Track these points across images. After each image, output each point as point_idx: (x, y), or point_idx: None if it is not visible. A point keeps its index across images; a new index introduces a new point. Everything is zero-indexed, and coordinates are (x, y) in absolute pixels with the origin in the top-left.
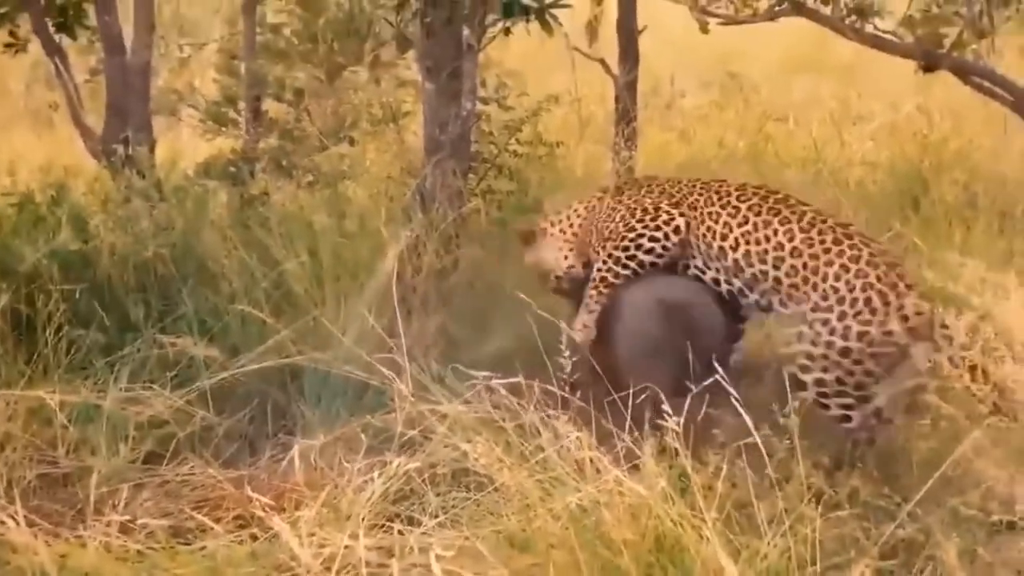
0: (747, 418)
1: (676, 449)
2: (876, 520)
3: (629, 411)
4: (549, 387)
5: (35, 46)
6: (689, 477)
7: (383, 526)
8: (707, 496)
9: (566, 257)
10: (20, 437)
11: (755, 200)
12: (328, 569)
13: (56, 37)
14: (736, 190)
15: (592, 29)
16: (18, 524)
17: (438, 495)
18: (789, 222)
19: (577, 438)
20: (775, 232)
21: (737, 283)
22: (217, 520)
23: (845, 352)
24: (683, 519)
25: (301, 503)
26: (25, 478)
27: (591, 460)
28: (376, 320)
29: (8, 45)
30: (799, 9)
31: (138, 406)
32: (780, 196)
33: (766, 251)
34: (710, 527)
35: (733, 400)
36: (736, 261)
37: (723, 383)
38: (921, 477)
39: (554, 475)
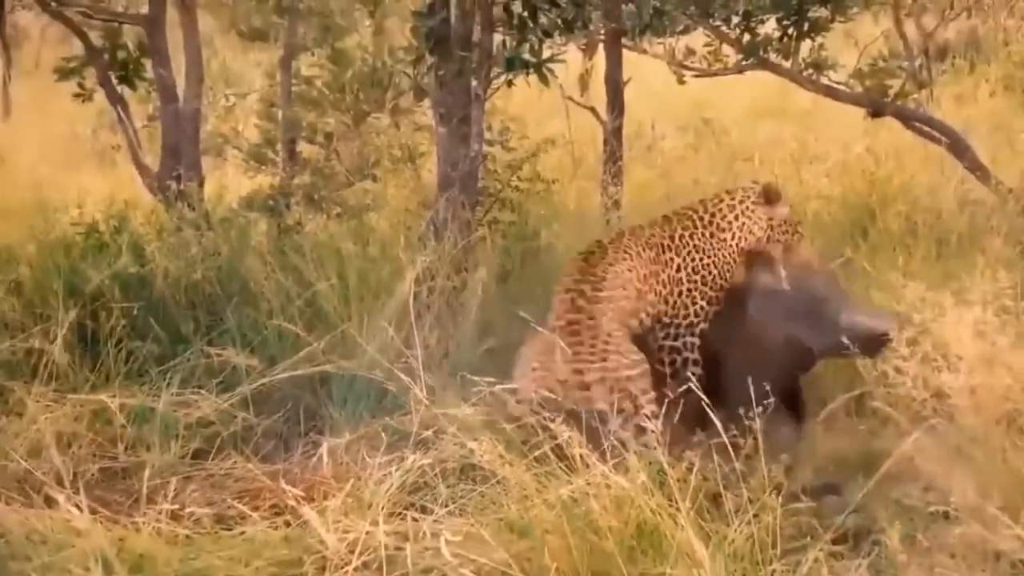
0: (716, 419)
1: (655, 448)
2: (828, 510)
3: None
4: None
5: (100, 96)
6: (666, 472)
7: (400, 514)
8: (682, 488)
9: None
10: (84, 435)
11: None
12: (352, 552)
13: (118, 88)
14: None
15: (584, 81)
16: (82, 512)
17: (448, 487)
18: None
19: (569, 437)
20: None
21: None
22: (255, 509)
23: None
24: (661, 509)
25: (329, 494)
26: (88, 471)
27: (581, 456)
28: (395, 333)
29: (77, 95)
30: (764, 63)
31: (187, 408)
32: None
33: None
34: (684, 516)
35: (704, 404)
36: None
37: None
38: (868, 472)
39: (548, 470)
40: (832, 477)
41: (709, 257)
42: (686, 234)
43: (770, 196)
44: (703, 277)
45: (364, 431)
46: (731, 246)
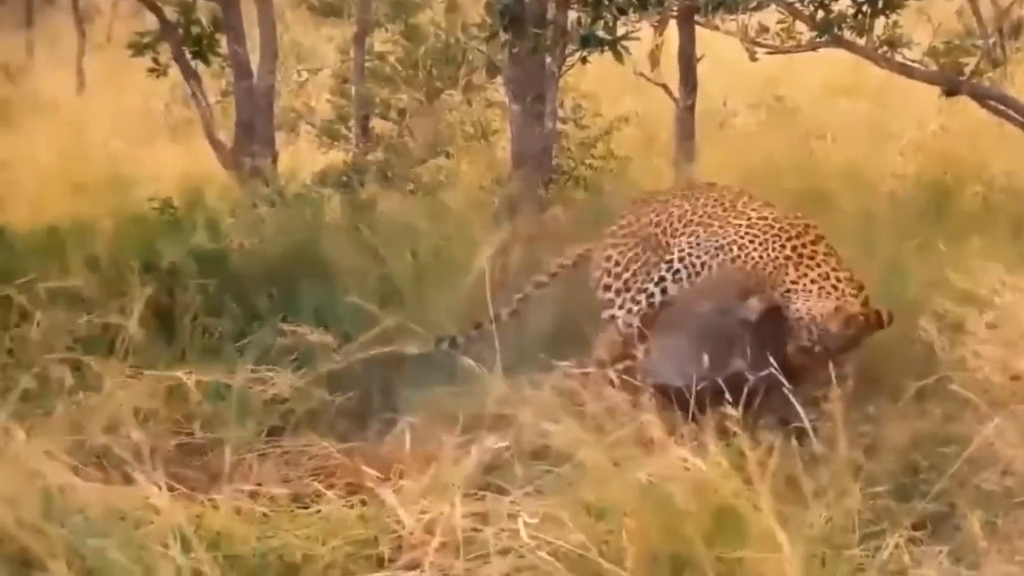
0: (796, 403)
1: (734, 430)
2: (909, 495)
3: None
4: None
5: (174, 70)
6: (745, 455)
7: (477, 495)
8: (761, 472)
9: None
10: (161, 412)
11: None
12: (428, 533)
13: (192, 63)
14: None
15: (655, 57)
16: (160, 489)
17: (524, 468)
18: None
19: (647, 419)
20: None
21: None
22: (330, 487)
23: None
24: (739, 492)
25: (404, 473)
26: (165, 447)
27: (658, 439)
28: (469, 313)
29: (151, 70)
30: (838, 41)
31: (263, 386)
32: None
33: None
34: (763, 499)
35: (784, 388)
36: None
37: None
38: (948, 457)
39: (627, 452)
40: (911, 462)
41: None
42: None
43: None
44: None
45: (440, 410)
46: None
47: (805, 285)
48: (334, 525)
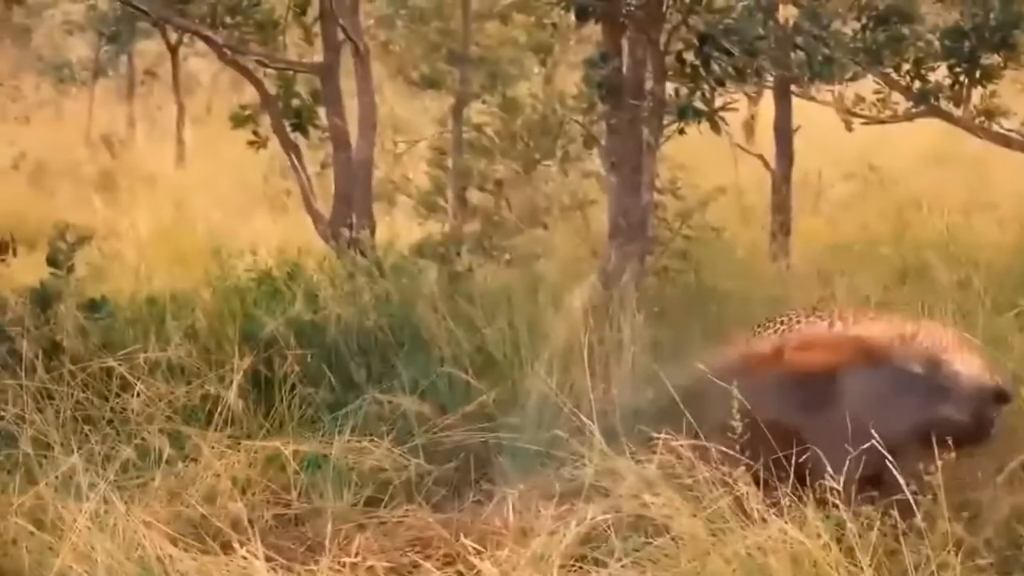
0: (898, 475)
1: (835, 502)
2: (1011, 568)
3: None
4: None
5: (272, 142)
6: (845, 527)
7: (574, 567)
8: (861, 545)
9: None
10: (259, 482)
11: None
12: None
13: (292, 135)
14: None
15: (749, 127)
16: (258, 559)
17: (622, 540)
18: None
19: (746, 492)
20: None
21: None
22: (427, 558)
23: None
24: (839, 565)
25: (502, 544)
26: (263, 518)
27: (757, 510)
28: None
29: (251, 142)
30: (934, 111)
31: (360, 456)
32: None
33: None
34: (865, 573)
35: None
36: None
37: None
38: None
39: (725, 524)
40: (1014, 534)
41: None
42: None
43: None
44: None
45: (537, 481)
46: None
47: None
48: None
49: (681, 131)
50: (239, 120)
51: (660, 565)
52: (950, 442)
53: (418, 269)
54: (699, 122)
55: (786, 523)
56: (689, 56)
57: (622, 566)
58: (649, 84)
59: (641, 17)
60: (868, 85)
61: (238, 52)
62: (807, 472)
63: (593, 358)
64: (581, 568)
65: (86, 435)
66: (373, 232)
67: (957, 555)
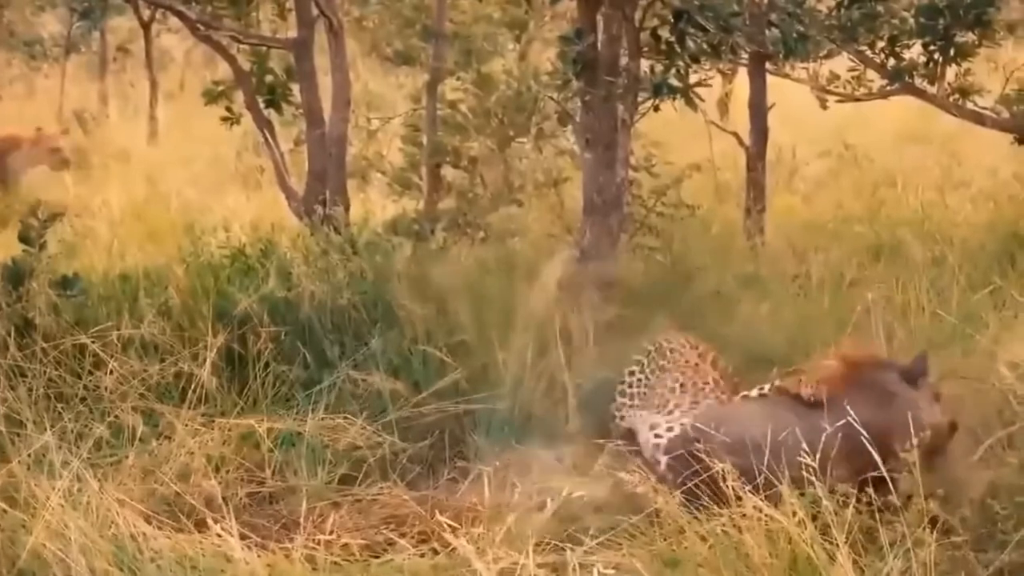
0: (873, 452)
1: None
2: (987, 545)
3: None
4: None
5: (246, 118)
6: (821, 505)
7: (551, 545)
8: (836, 522)
9: None
10: (233, 459)
11: None
12: None
13: (265, 112)
14: None
15: (724, 104)
16: (232, 537)
17: (598, 518)
18: None
19: (720, 469)
20: None
21: None
22: (402, 535)
23: None
24: (815, 542)
25: (477, 522)
26: (237, 495)
27: (732, 489)
28: (538, 360)
29: (225, 119)
30: (909, 88)
31: (334, 434)
32: None
33: None
34: (841, 550)
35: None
36: None
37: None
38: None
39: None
40: (990, 511)
41: None
42: None
43: None
44: None
45: (512, 458)
46: None
47: None
48: (407, 575)
49: (656, 108)
50: (212, 96)
51: (635, 543)
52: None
53: (392, 246)
54: (674, 99)
55: (761, 500)
56: (664, 32)
57: (597, 543)
58: (624, 61)
59: None
60: (843, 63)
61: (211, 28)
62: None
63: (565, 335)
64: (556, 545)
65: (59, 413)
66: (347, 209)
67: (932, 532)
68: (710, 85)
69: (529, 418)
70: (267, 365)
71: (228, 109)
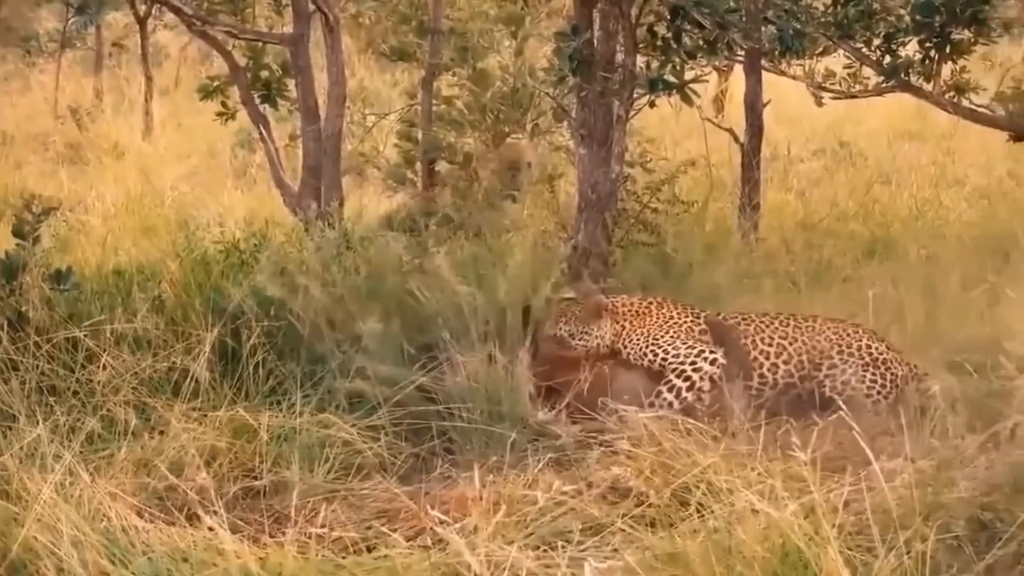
0: (867, 448)
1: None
2: (981, 540)
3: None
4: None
5: (241, 114)
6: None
7: (544, 539)
8: (831, 516)
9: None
10: (226, 454)
11: None
12: None
13: (261, 107)
14: None
15: (719, 101)
16: (224, 530)
17: (593, 511)
18: None
19: (714, 464)
20: None
21: None
22: (394, 530)
23: None
24: (808, 537)
25: (469, 516)
26: (230, 490)
27: (726, 483)
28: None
29: (220, 114)
30: (905, 86)
31: (327, 428)
32: None
33: None
34: (832, 545)
35: (855, 432)
36: None
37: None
38: (1021, 502)
39: (695, 497)
40: (987, 505)
41: None
42: None
43: None
44: None
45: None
46: None
47: None
48: (400, 569)
49: (652, 104)
50: (207, 91)
51: (628, 537)
52: None
53: (386, 242)
54: (670, 95)
55: (754, 496)
56: (660, 29)
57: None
58: (620, 57)
59: None
60: (839, 60)
61: (207, 23)
62: None
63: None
64: (548, 541)
65: (51, 406)
66: (342, 204)
67: (928, 527)
68: (706, 81)
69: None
70: (261, 360)
71: (223, 104)
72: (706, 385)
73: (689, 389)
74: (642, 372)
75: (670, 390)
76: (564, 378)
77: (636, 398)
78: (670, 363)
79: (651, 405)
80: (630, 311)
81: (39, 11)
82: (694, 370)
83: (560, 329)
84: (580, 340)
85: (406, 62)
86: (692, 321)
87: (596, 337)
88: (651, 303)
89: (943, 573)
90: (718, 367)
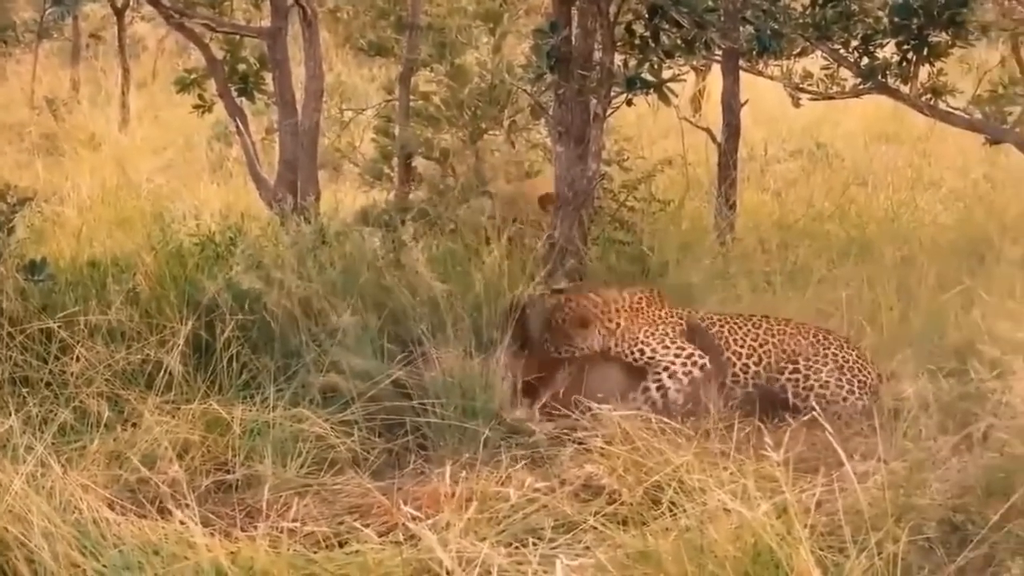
0: (839, 449)
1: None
2: (952, 542)
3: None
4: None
5: (218, 107)
6: (786, 498)
7: (516, 536)
8: (803, 516)
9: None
10: (198, 447)
11: None
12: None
13: (237, 100)
14: None
15: (697, 101)
16: (196, 524)
17: (565, 508)
18: None
19: (686, 463)
20: None
21: None
22: (366, 525)
23: None
24: (780, 536)
25: (441, 512)
26: (202, 483)
27: (698, 482)
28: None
29: (197, 106)
30: (882, 88)
31: (300, 423)
32: None
33: None
34: (804, 545)
35: (827, 433)
36: None
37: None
38: (992, 505)
39: (667, 495)
40: (959, 507)
41: None
42: None
43: None
44: None
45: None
46: None
47: None
48: (371, 564)
49: (629, 103)
50: (184, 84)
51: (600, 535)
52: None
53: (362, 236)
54: (647, 94)
55: (727, 495)
56: (638, 27)
57: (564, 534)
58: (598, 55)
59: None
60: (817, 61)
61: (185, 15)
62: None
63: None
64: (520, 538)
65: (24, 398)
66: (318, 199)
67: (900, 528)
68: (684, 81)
69: (494, 410)
70: (235, 354)
71: (200, 97)
72: (690, 387)
73: (678, 390)
74: (619, 369)
75: (658, 388)
76: (552, 374)
77: (612, 395)
78: (659, 361)
79: (635, 401)
80: (623, 308)
81: (16, 1)
82: (684, 372)
83: (546, 336)
84: (564, 349)
85: (384, 57)
86: (677, 320)
87: (581, 348)
88: (642, 298)
89: (914, 574)
90: (705, 370)
